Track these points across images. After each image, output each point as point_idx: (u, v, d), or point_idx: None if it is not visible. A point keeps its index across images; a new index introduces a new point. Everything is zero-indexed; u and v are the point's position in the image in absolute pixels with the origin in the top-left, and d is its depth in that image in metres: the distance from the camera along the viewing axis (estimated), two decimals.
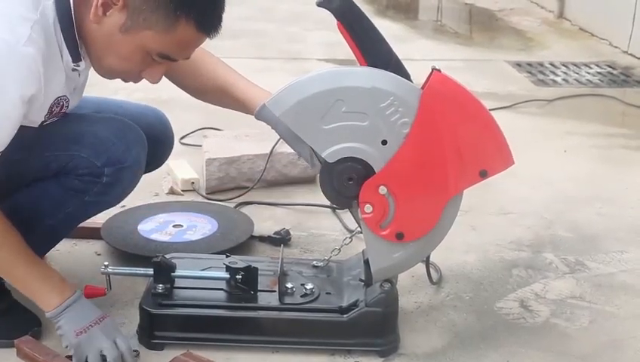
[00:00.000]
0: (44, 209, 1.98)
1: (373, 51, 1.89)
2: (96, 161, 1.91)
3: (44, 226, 2.00)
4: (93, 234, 2.52)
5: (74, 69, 1.87)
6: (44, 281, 1.88)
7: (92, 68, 1.92)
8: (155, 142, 2.17)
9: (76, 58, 1.85)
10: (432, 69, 1.87)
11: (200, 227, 2.53)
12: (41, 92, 1.76)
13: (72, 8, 1.78)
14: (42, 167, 1.94)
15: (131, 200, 2.50)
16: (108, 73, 1.90)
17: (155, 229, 2.51)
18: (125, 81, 1.92)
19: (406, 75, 1.89)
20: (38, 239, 1.96)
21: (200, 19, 1.78)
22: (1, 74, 1.68)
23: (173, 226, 2.53)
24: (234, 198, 2.86)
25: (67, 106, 1.95)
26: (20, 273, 1.87)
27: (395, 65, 1.88)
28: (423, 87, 1.86)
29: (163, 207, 2.71)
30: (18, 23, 1.70)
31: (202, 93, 2.20)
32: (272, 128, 2.09)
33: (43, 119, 1.88)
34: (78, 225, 2.14)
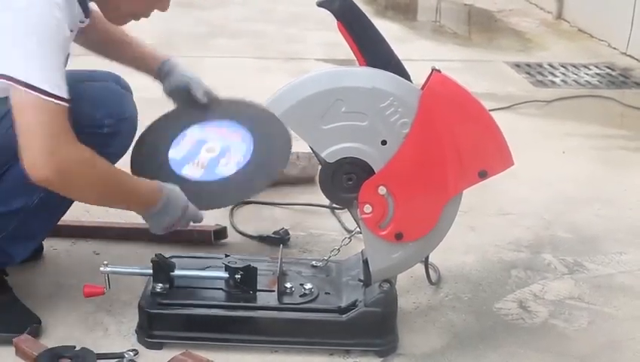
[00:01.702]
0: None
1: (373, 51, 1.89)
2: (96, 113, 1.98)
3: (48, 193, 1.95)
4: (93, 233, 2.53)
5: (80, 24, 1.97)
6: (147, 190, 1.97)
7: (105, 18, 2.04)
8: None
9: (86, 13, 1.96)
10: (432, 70, 1.87)
11: (234, 150, 2.16)
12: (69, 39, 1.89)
13: None
14: None
15: None
16: (120, 18, 2.02)
17: (187, 158, 2.18)
18: (137, 19, 2.01)
19: (406, 76, 1.89)
20: (43, 209, 1.97)
21: None
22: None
23: (206, 151, 2.18)
24: None
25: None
26: (127, 183, 1.95)
27: (395, 66, 1.89)
28: (422, 88, 1.86)
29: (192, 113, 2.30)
30: None
31: (104, 44, 2.27)
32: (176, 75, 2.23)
33: None
34: None
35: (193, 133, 2.20)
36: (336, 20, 1.89)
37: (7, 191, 1.94)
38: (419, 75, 1.94)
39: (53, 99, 1.74)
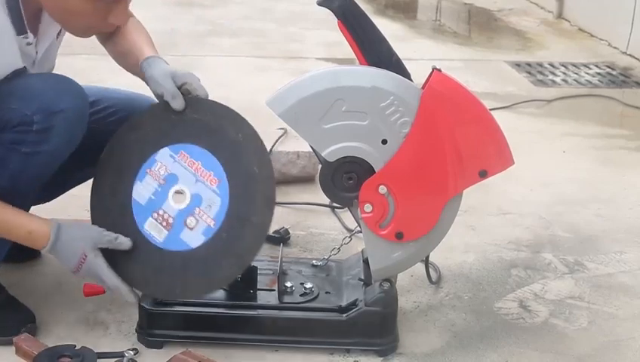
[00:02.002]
0: None
1: (374, 50, 1.89)
2: (26, 110, 1.87)
3: None
4: None
5: (27, 43, 1.89)
6: (29, 222, 1.89)
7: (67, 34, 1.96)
8: None
9: (20, 30, 1.85)
10: (433, 69, 1.87)
11: (205, 204, 1.91)
12: None
13: None
14: None
15: None
16: (79, 32, 1.91)
17: (152, 204, 1.94)
18: (101, 32, 1.93)
19: (406, 75, 1.89)
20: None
21: None
22: None
23: (174, 198, 1.94)
24: None
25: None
26: (7, 223, 1.88)
27: (395, 65, 1.89)
28: (423, 87, 1.86)
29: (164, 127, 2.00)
30: None
31: (119, 55, 2.17)
32: (146, 80, 2.03)
33: None
34: (30, 184, 2.00)
35: (163, 160, 1.95)
36: (336, 19, 1.89)
37: None
38: (419, 74, 1.94)
39: None
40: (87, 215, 2.48)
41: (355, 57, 1.91)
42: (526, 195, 3.00)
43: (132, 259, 1.93)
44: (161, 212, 1.93)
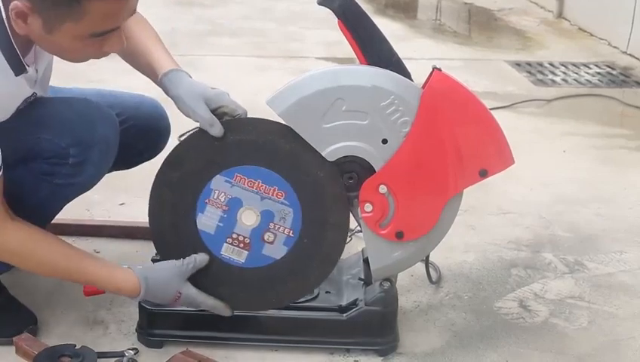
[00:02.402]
0: (16, 197, 1.88)
1: (374, 50, 1.89)
2: (60, 142, 1.85)
3: (20, 215, 1.90)
4: (93, 231, 2.53)
5: (28, 74, 1.85)
6: (114, 277, 1.89)
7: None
8: (151, 131, 2.16)
9: (19, 70, 1.81)
10: (433, 68, 1.87)
11: (278, 216, 1.90)
12: None
13: (7, 23, 1.74)
14: (9, 155, 1.84)
15: (130, 198, 2.51)
16: (75, 61, 1.85)
17: (223, 231, 1.92)
18: (96, 58, 1.85)
19: (407, 74, 1.89)
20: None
21: None
22: None
23: (244, 220, 1.91)
24: None
25: (35, 96, 1.93)
26: (92, 279, 1.90)
27: (395, 64, 1.88)
28: (423, 86, 1.86)
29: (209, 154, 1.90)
30: None
31: (127, 54, 2.08)
32: (171, 98, 1.96)
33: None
34: (57, 210, 2.05)
35: (220, 187, 1.89)
36: (336, 19, 1.89)
37: None
38: (419, 73, 1.94)
39: None
40: (87, 214, 2.48)
41: (355, 57, 1.91)
42: (526, 195, 3.00)
43: (219, 284, 1.94)
44: (234, 235, 1.91)
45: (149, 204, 1.94)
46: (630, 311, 2.28)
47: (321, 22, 5.00)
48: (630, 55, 4.98)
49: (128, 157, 2.17)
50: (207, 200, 1.89)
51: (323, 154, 1.87)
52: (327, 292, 2.09)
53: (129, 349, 1.98)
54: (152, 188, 1.93)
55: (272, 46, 5.00)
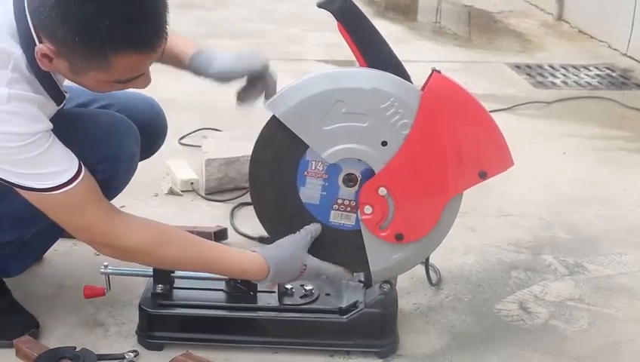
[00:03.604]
0: (40, 211, 1.88)
1: (374, 52, 1.89)
2: (89, 157, 1.86)
3: (45, 224, 1.91)
4: None
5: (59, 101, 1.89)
6: (241, 261, 1.92)
7: None
8: (147, 130, 2.16)
9: (59, 100, 1.86)
10: (432, 71, 1.87)
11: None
12: (46, 121, 1.77)
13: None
14: None
15: (130, 201, 2.51)
16: (103, 90, 1.90)
17: (327, 199, 1.94)
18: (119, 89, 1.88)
19: (406, 77, 1.89)
20: (38, 238, 1.95)
21: (130, 45, 1.67)
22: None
23: (346, 185, 1.93)
24: (233, 199, 2.86)
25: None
26: (221, 268, 1.95)
27: (395, 67, 1.89)
28: (423, 89, 1.86)
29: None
30: None
31: None
32: (204, 78, 2.02)
33: None
34: None
35: (315, 158, 1.90)
36: (336, 21, 1.89)
37: None
38: (419, 75, 1.94)
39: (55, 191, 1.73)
40: None
41: (355, 59, 1.91)
42: (526, 196, 3.00)
43: (336, 252, 1.95)
44: (339, 201, 1.93)
45: (250, 187, 1.97)
46: (630, 313, 2.28)
47: (320, 24, 5.00)
48: (630, 57, 4.98)
49: None
50: (305, 173, 1.91)
51: (323, 156, 1.87)
52: (327, 294, 2.09)
53: (129, 351, 1.98)
54: (250, 170, 1.95)
55: (272, 48, 5.00)
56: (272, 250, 1.93)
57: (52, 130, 1.77)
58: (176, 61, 2.04)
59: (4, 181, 1.74)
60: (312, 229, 1.93)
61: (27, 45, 1.71)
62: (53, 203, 1.76)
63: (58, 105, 1.86)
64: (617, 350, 2.12)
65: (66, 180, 1.74)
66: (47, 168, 1.73)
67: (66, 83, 1.89)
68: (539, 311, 2.27)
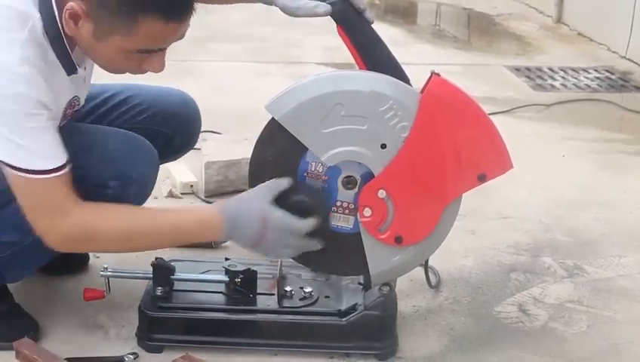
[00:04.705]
0: None
1: (373, 55, 1.89)
2: (102, 172, 1.88)
3: None
4: None
5: (78, 74, 1.89)
6: (196, 221, 1.89)
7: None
8: (177, 115, 2.17)
9: (71, 70, 1.85)
10: (432, 73, 1.88)
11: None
12: (52, 102, 1.77)
13: (59, 22, 1.77)
14: None
15: None
16: (108, 70, 1.89)
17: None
18: (132, 73, 1.89)
19: (405, 79, 1.89)
20: (38, 245, 1.95)
21: (161, 10, 1.70)
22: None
23: (345, 187, 1.94)
24: None
25: (79, 104, 1.97)
26: (174, 231, 1.89)
27: (394, 69, 1.89)
28: (422, 91, 1.87)
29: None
30: (7, 46, 1.71)
31: None
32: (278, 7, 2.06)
33: (59, 123, 1.87)
34: None
35: (315, 158, 1.90)
36: (335, 24, 1.89)
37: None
38: (418, 78, 1.94)
39: (35, 175, 1.73)
40: None
41: (354, 62, 1.92)
42: (525, 199, 3.00)
43: (336, 254, 1.94)
44: (338, 203, 1.93)
45: (252, 186, 1.94)
46: (629, 316, 2.28)
47: (320, 27, 5.00)
48: (629, 60, 4.98)
49: (160, 145, 2.13)
50: (306, 173, 1.90)
51: (322, 159, 1.88)
52: (326, 296, 2.09)
53: (129, 354, 1.98)
54: (250, 171, 1.95)
55: (272, 51, 5.00)
56: (229, 201, 1.89)
57: (69, 142, 1.79)
58: None
59: None
60: (280, 183, 1.86)
61: (46, 9, 1.74)
62: (32, 187, 1.75)
63: (69, 74, 1.86)
64: (616, 352, 2.12)
65: (52, 167, 1.75)
66: (41, 147, 1.74)
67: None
68: (538, 314, 2.27)
